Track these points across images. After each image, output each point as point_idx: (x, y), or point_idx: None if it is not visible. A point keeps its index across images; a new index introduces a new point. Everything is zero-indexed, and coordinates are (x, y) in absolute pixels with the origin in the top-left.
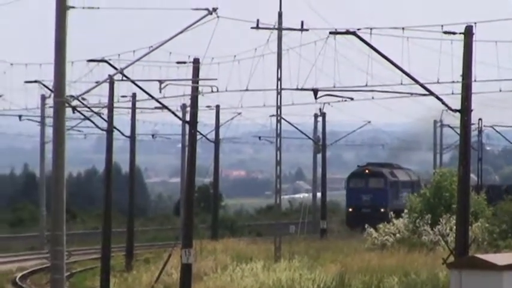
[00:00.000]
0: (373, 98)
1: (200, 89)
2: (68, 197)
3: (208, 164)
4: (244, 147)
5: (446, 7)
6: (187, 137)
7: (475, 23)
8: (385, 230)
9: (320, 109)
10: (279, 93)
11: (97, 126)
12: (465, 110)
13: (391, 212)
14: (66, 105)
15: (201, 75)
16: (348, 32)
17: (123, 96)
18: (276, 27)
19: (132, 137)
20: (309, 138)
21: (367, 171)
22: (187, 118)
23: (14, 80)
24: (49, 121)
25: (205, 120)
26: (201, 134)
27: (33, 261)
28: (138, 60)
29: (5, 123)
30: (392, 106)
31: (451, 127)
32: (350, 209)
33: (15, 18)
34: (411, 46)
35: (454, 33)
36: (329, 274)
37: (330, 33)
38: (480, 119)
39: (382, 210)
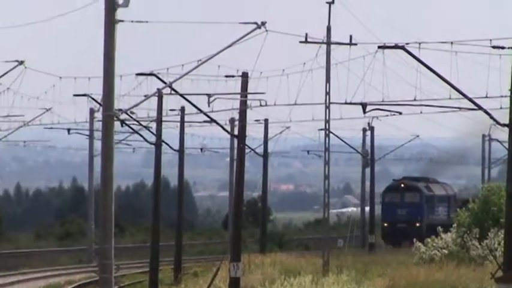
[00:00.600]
0: (421, 112)
1: (249, 102)
2: (117, 210)
3: (257, 178)
4: (292, 161)
5: (495, 22)
6: (235, 150)
7: None
8: (433, 245)
9: (368, 123)
10: (327, 107)
11: (145, 140)
12: None
13: (439, 227)
14: (115, 118)
15: (250, 89)
16: (396, 47)
17: (171, 110)
18: (325, 41)
19: (181, 151)
20: (358, 152)
21: (402, 185)
22: (236, 132)
23: (63, 93)
24: (98, 135)
25: (254, 134)
26: (249, 147)
27: (81, 275)
28: (186, 74)
29: (54, 136)
30: (440, 120)
31: (499, 141)
32: (385, 224)
33: (64, 32)
34: (460, 60)
35: (502, 47)
36: None
37: (379, 47)
38: None
39: (417, 224)
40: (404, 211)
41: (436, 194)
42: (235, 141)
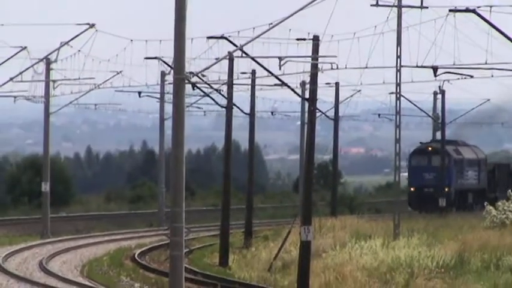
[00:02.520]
0: (492, 75)
1: (320, 66)
2: (187, 174)
3: (328, 142)
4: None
5: None
6: (306, 114)
7: None
8: (505, 208)
9: (439, 87)
10: (398, 70)
11: (216, 103)
12: None
13: (510, 190)
14: (186, 81)
15: (321, 52)
16: (467, 10)
17: (242, 73)
18: (396, 4)
19: (252, 114)
20: (428, 115)
21: (430, 148)
22: (307, 95)
23: (134, 56)
24: (168, 98)
25: (325, 97)
26: (320, 111)
27: (152, 238)
28: (257, 37)
29: (125, 99)
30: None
31: None
32: (412, 189)
33: None
34: None
35: None
36: (448, 252)
37: (450, 10)
38: None
39: (446, 190)
40: (432, 175)
41: (466, 158)
42: (306, 104)
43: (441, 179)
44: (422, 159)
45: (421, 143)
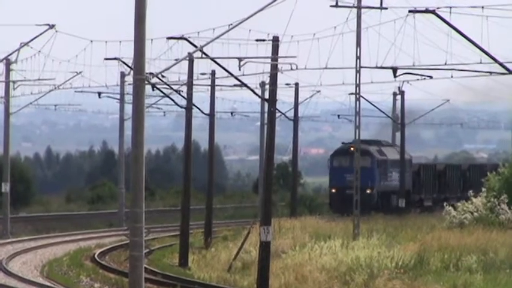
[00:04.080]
0: (452, 76)
1: (279, 66)
2: (147, 174)
3: (287, 142)
4: (323, 125)
5: None
6: (266, 114)
7: None
8: (464, 209)
9: (399, 87)
10: (358, 71)
11: (176, 104)
12: None
13: (470, 191)
14: (146, 82)
15: (281, 53)
16: (427, 11)
17: (202, 74)
18: (355, 5)
19: (211, 115)
20: (388, 116)
21: (351, 148)
22: (266, 96)
23: (93, 57)
24: (128, 98)
25: (284, 98)
26: (280, 111)
27: (112, 238)
28: (217, 37)
29: (85, 100)
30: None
31: None
32: (333, 190)
33: None
34: (490, 25)
35: None
36: (407, 252)
37: (409, 11)
38: None
39: (368, 191)
40: (354, 176)
41: (389, 158)
42: (266, 105)
43: (363, 180)
44: (344, 159)
45: (343, 143)
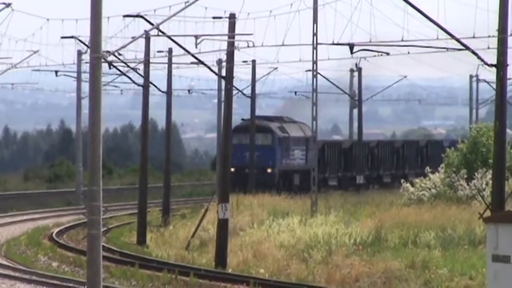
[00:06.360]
0: (408, 52)
1: (236, 44)
2: (105, 152)
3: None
4: (280, 102)
5: None
6: (223, 92)
7: None
8: (422, 185)
9: (356, 64)
10: (315, 48)
11: (133, 82)
12: (501, 65)
13: (427, 167)
14: (103, 60)
15: (237, 30)
16: None
17: (159, 52)
18: None
19: (168, 93)
20: (345, 93)
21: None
22: (223, 73)
23: (50, 35)
24: (85, 77)
25: (242, 75)
26: (237, 89)
27: (69, 217)
28: (174, 15)
29: (42, 79)
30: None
31: (487, 82)
32: (232, 169)
33: None
34: (447, 1)
35: None
36: (365, 229)
37: None
38: None
39: (269, 170)
40: (254, 155)
41: (292, 136)
42: (223, 82)
43: (264, 159)
44: (244, 137)
45: (243, 119)
